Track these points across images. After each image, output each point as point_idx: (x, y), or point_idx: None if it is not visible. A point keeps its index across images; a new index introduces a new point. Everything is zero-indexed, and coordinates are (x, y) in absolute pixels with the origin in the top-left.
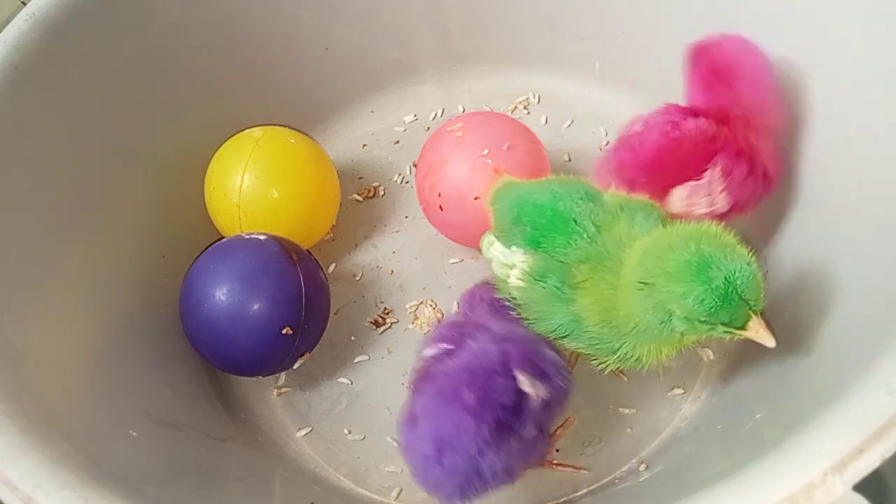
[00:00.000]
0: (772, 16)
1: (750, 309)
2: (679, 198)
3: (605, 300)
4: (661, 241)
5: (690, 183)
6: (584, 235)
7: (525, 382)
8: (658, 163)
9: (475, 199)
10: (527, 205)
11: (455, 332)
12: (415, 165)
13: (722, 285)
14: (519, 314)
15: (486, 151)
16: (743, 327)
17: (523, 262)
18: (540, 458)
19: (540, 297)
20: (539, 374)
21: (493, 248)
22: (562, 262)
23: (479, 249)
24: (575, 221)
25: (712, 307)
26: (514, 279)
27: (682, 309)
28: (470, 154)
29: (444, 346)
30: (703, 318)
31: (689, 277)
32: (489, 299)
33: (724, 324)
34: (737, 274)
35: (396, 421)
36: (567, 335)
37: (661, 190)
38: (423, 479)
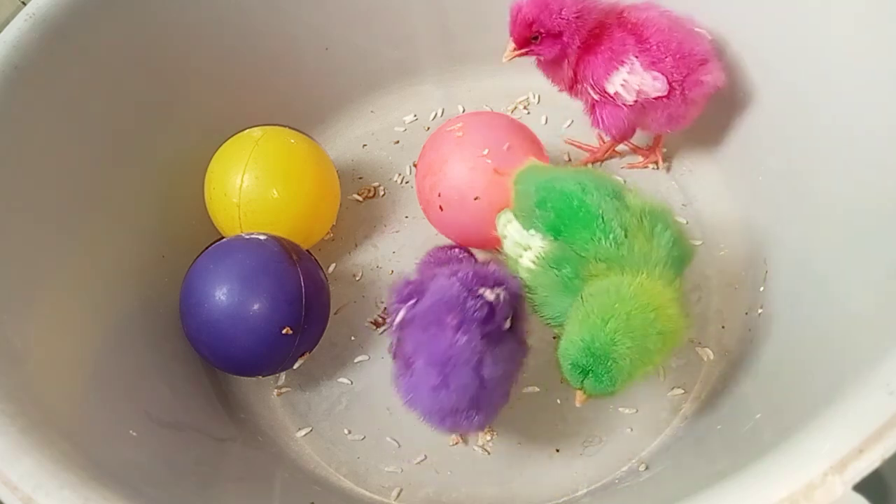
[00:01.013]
0: (777, 19)
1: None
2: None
3: None
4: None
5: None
6: (611, 237)
7: (488, 293)
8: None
9: (475, 199)
10: (553, 191)
11: (412, 289)
12: (415, 165)
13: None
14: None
15: (486, 151)
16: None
17: (541, 247)
18: (523, 359)
19: (550, 282)
20: (494, 283)
21: (510, 227)
22: (580, 255)
23: (480, 248)
24: (602, 218)
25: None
26: (527, 261)
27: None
28: (470, 154)
29: (410, 303)
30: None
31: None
32: (436, 258)
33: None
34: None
35: (396, 418)
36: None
37: None
38: (436, 413)
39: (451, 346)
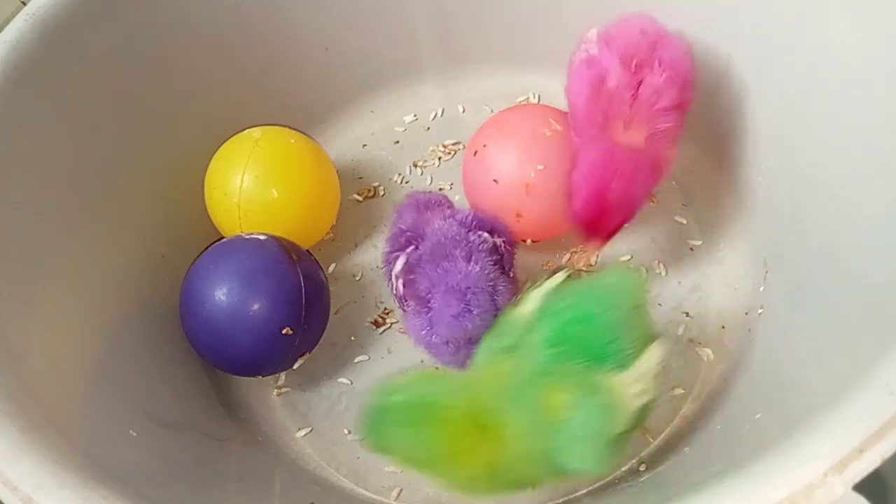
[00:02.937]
0: (776, 17)
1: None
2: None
3: None
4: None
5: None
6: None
7: (486, 236)
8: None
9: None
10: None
11: (409, 236)
12: (415, 165)
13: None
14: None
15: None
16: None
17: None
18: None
19: None
20: (492, 229)
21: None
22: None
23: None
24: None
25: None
26: None
27: None
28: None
29: (409, 249)
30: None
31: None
32: (416, 201)
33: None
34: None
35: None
36: None
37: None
38: (454, 342)
39: (466, 276)
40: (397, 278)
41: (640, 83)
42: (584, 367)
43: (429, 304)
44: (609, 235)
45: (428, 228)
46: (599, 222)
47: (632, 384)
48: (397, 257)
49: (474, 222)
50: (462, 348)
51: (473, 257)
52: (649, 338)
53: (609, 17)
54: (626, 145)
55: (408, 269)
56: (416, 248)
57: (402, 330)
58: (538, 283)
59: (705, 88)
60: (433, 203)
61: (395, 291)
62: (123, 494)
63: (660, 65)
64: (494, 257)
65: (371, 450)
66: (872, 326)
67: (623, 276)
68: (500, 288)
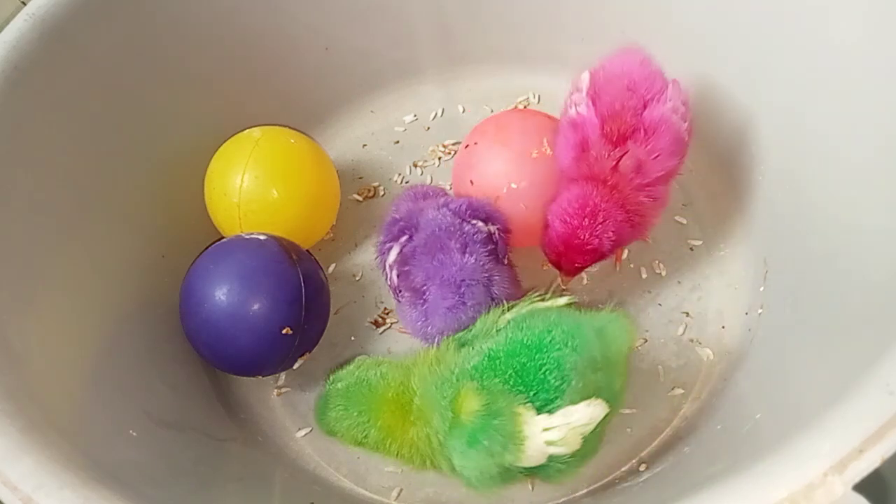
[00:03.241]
0: (776, 17)
1: None
2: None
3: None
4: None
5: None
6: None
7: (481, 224)
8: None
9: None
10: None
11: (402, 226)
12: (415, 165)
13: None
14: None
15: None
16: None
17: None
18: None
19: None
20: (486, 217)
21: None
22: None
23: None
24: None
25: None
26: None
27: None
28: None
29: (402, 240)
30: None
31: None
32: (414, 193)
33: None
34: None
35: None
36: None
37: None
38: (449, 333)
39: (461, 269)
40: (391, 268)
41: (622, 155)
42: (507, 389)
43: (424, 296)
44: (572, 273)
45: (422, 218)
46: (564, 258)
47: (548, 428)
48: (391, 247)
49: (468, 211)
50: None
51: (468, 249)
52: (602, 393)
53: (609, 18)
54: (606, 196)
55: (402, 260)
56: (410, 238)
57: (402, 330)
58: (543, 296)
59: (706, 90)
60: (429, 194)
61: (389, 282)
62: (123, 494)
63: (645, 134)
64: (489, 247)
65: (323, 433)
66: (872, 326)
67: (611, 326)
68: (496, 278)
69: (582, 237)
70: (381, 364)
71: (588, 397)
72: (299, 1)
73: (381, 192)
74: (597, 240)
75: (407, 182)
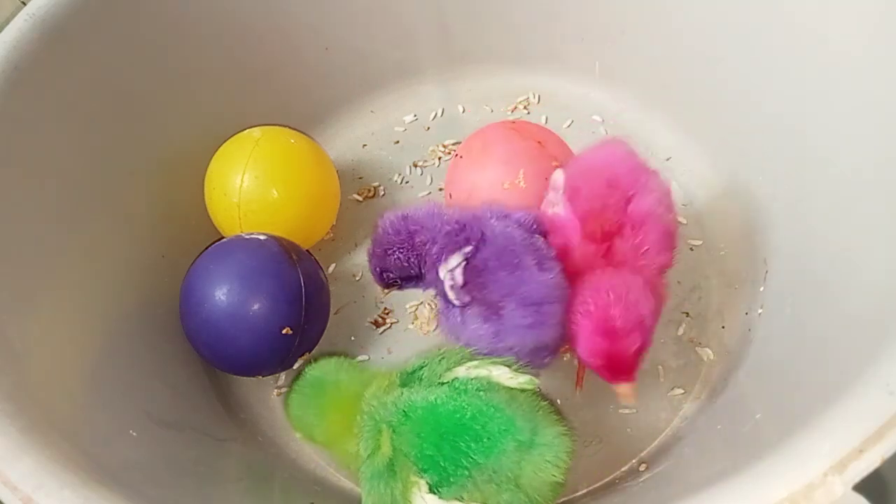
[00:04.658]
0: (776, 15)
1: None
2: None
3: None
4: None
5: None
6: None
7: (542, 240)
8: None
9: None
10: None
11: (466, 235)
12: (415, 165)
13: None
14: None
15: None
16: None
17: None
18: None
19: None
20: (543, 232)
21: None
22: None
23: None
24: None
25: None
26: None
27: None
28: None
29: (467, 249)
30: None
31: None
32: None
33: None
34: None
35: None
36: None
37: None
38: (523, 350)
39: (540, 286)
40: (452, 276)
41: (608, 249)
42: (416, 451)
43: (500, 312)
44: (631, 368)
45: (487, 229)
46: (611, 354)
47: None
48: (450, 254)
49: (533, 225)
50: (527, 355)
51: (545, 265)
52: (501, 494)
53: (609, 18)
54: (613, 272)
55: (473, 271)
56: (477, 248)
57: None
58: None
59: (706, 90)
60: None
61: (446, 287)
62: (124, 494)
63: (632, 229)
64: (560, 264)
65: (293, 428)
66: (872, 326)
67: (540, 451)
68: (567, 294)
69: (616, 318)
70: (348, 369)
71: (482, 486)
72: (299, 1)
73: (381, 192)
74: (634, 312)
75: (407, 182)
